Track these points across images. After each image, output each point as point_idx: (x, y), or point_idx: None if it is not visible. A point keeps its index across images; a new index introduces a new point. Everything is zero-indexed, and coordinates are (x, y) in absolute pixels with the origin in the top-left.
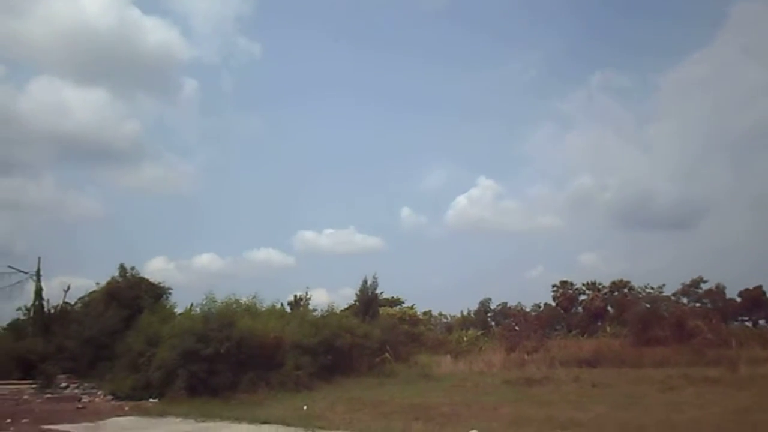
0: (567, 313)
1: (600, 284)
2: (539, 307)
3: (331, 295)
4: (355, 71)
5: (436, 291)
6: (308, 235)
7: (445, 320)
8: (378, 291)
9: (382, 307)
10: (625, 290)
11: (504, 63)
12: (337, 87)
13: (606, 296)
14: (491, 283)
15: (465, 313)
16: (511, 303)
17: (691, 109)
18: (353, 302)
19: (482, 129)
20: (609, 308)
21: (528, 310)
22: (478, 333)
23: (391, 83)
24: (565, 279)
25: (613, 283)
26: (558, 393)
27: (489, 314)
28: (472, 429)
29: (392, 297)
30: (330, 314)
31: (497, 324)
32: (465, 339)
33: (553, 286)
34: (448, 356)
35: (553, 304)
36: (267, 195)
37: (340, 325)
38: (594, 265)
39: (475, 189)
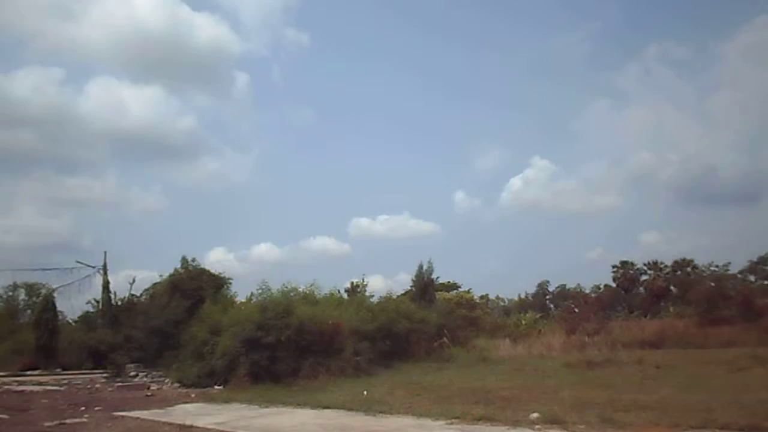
0: (628, 294)
1: (662, 264)
2: (599, 288)
3: (387, 281)
4: (404, 55)
5: (493, 275)
6: (363, 222)
7: (502, 304)
8: (434, 276)
9: (439, 292)
10: (689, 269)
11: (555, 38)
12: (387, 72)
13: (668, 276)
14: (549, 266)
15: (522, 296)
16: (570, 285)
17: (754, 78)
18: (409, 288)
19: (535, 108)
20: (672, 288)
21: (587, 291)
22: (537, 316)
23: (441, 65)
24: (625, 259)
25: (676, 262)
26: (620, 375)
27: (547, 297)
28: (533, 412)
29: (448, 282)
30: (387, 300)
31: (556, 307)
32: (523, 322)
33: (613, 266)
34: (507, 340)
35: (614, 285)
36: (321, 183)
37: (397, 310)
38: (655, 245)
39: (529, 170)
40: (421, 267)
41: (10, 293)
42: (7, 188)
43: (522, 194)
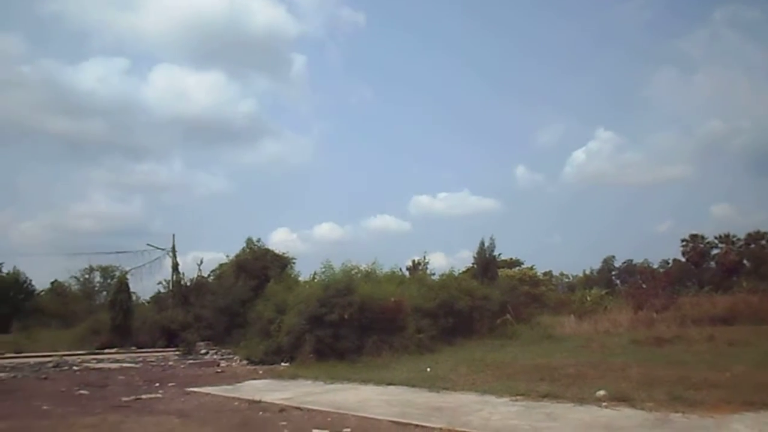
0: (698, 268)
1: (734, 237)
2: (668, 263)
3: (448, 259)
4: (460, 30)
5: (556, 250)
6: (423, 199)
7: (566, 280)
8: (496, 252)
9: (501, 269)
10: (763, 242)
11: (618, 5)
12: (443, 48)
13: (741, 249)
14: (614, 241)
15: (587, 272)
16: (637, 260)
17: None
18: (471, 265)
19: (598, 78)
20: (745, 262)
21: (655, 266)
22: (603, 292)
23: (499, 38)
24: (695, 232)
25: (749, 235)
26: (690, 352)
27: (613, 272)
28: (600, 390)
29: (510, 258)
30: (448, 277)
31: (622, 282)
32: (588, 298)
33: (683, 240)
34: (572, 316)
35: (683, 259)
36: (381, 162)
37: (459, 287)
38: (727, 217)
39: (593, 142)
40: (482, 244)
41: (87, 276)
42: (81, 176)
43: (586, 167)
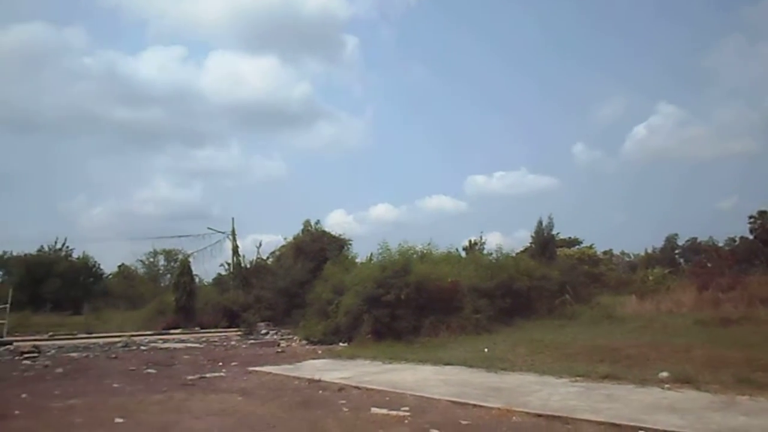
0: (767, 246)
1: None
2: (734, 241)
3: (505, 238)
4: (513, 6)
5: (617, 229)
6: (479, 179)
7: (627, 259)
8: (554, 232)
9: (560, 248)
10: None
11: None
12: (498, 23)
13: None
14: (678, 218)
15: (649, 250)
16: (702, 238)
17: None
18: (529, 244)
19: (659, 49)
20: None
21: (721, 244)
22: (665, 271)
23: (555, 11)
24: (764, 209)
25: None
26: (759, 334)
27: (676, 251)
28: (662, 371)
29: (569, 237)
30: (506, 257)
31: (686, 261)
32: (650, 278)
33: (750, 217)
34: (633, 296)
35: (751, 237)
36: (436, 142)
37: (517, 267)
38: None
39: (654, 117)
40: (540, 223)
41: (151, 259)
42: (143, 163)
43: (647, 143)
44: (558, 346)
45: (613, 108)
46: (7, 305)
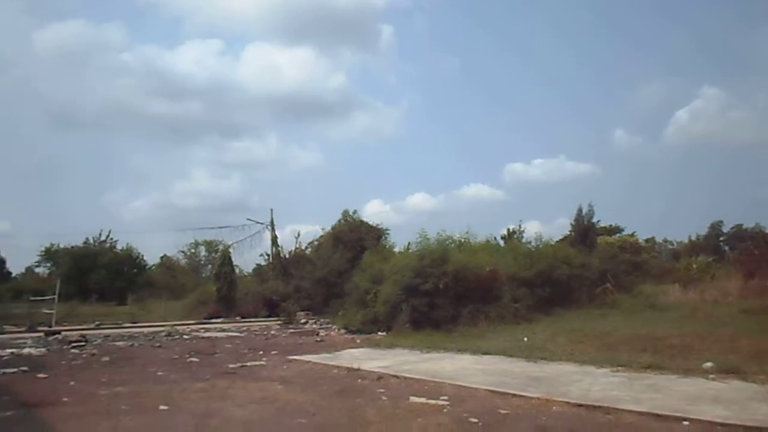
0: None
1: None
2: None
3: (544, 226)
4: None
5: (659, 216)
6: (517, 167)
7: (670, 247)
8: (594, 219)
9: (600, 236)
10: None
11: None
12: (532, 10)
13: None
14: (722, 205)
15: (693, 238)
16: (748, 225)
17: None
18: (569, 232)
19: (702, 32)
20: None
21: None
22: (709, 259)
23: None
24: None
25: None
26: None
27: (721, 238)
28: (707, 361)
29: (610, 225)
30: (545, 246)
31: (731, 249)
32: (694, 266)
33: None
34: (676, 285)
35: None
36: (473, 131)
37: (556, 256)
38: None
39: (697, 101)
40: (580, 210)
41: (193, 250)
42: (183, 156)
43: (690, 128)
44: (599, 335)
45: (654, 92)
46: (56, 296)
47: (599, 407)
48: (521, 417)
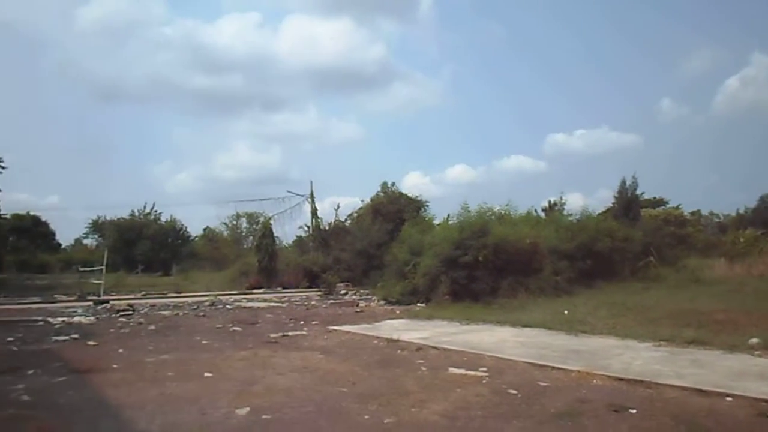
0: None
1: None
2: None
3: (586, 199)
4: None
5: (706, 188)
6: (559, 138)
7: (717, 220)
8: (638, 192)
9: (644, 209)
10: None
11: None
12: None
13: None
14: None
15: (741, 211)
16: None
17: None
18: (611, 205)
19: None
20: None
21: None
22: (758, 233)
23: None
24: None
25: None
26: None
27: None
28: (752, 338)
29: (654, 197)
30: (587, 218)
31: None
32: (742, 240)
33: None
34: (722, 259)
35: None
36: (514, 101)
37: (598, 228)
38: None
39: (748, 68)
40: (623, 182)
41: (234, 222)
42: (224, 129)
43: (739, 96)
44: (641, 309)
45: (702, 60)
46: (104, 267)
47: (640, 381)
48: (561, 389)
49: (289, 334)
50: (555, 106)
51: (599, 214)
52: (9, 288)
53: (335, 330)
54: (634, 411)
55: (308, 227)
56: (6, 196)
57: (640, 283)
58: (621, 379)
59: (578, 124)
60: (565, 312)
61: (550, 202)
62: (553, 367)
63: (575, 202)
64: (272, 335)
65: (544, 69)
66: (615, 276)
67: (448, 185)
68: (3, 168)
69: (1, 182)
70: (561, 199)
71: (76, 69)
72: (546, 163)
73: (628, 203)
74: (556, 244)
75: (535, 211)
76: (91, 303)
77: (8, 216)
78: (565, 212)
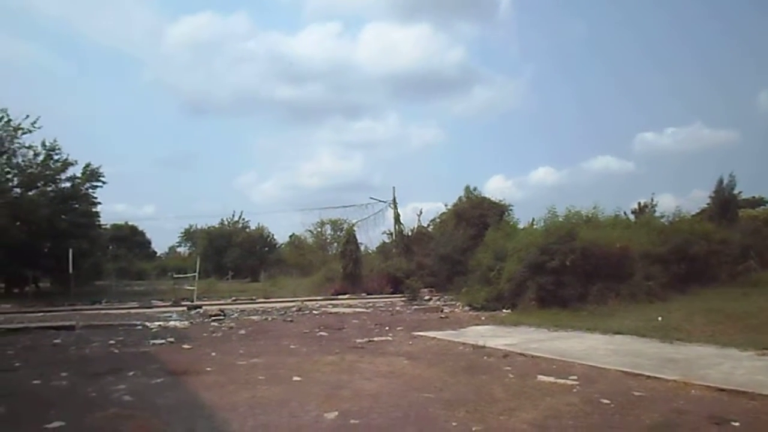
0: None
1: None
2: None
3: (679, 200)
4: None
5: None
6: (648, 136)
7: None
8: (736, 191)
9: (742, 209)
10: None
11: None
12: None
13: None
14: None
15: None
16: None
17: None
18: (706, 206)
19: None
20: None
21: None
22: None
23: None
24: None
25: None
26: None
27: None
28: None
29: (753, 197)
30: (680, 220)
31: None
32: None
33: None
34: None
35: None
36: (599, 100)
37: (692, 231)
38: None
39: None
40: (720, 182)
41: (319, 229)
42: (307, 137)
43: None
44: (741, 316)
45: None
46: (196, 273)
47: (743, 392)
48: (656, 399)
49: (375, 339)
50: (643, 103)
51: (693, 215)
52: (110, 294)
53: (420, 336)
54: (737, 424)
55: (391, 233)
56: (106, 207)
57: (739, 289)
58: (721, 390)
59: (668, 121)
60: (659, 318)
61: (639, 204)
62: (647, 376)
63: (667, 204)
64: (358, 340)
65: (630, 65)
66: (711, 281)
67: (531, 188)
68: (104, 183)
69: (101, 195)
70: (651, 200)
71: (167, 84)
72: (634, 164)
73: (725, 203)
74: (647, 248)
75: (624, 213)
76: (185, 308)
77: (108, 226)
78: (656, 214)
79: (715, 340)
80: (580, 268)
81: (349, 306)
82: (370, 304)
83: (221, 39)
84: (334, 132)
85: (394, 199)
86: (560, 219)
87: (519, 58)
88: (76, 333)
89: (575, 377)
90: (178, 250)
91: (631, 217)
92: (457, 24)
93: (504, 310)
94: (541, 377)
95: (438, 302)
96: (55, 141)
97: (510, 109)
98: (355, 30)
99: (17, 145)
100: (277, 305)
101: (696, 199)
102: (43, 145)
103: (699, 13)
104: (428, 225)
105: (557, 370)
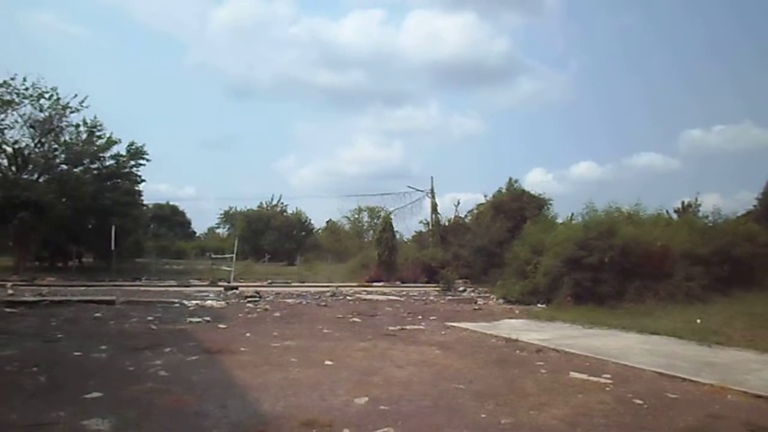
0: None
1: None
2: None
3: (725, 200)
4: None
5: None
6: (695, 134)
7: None
8: None
9: None
10: None
11: None
12: None
13: None
14: None
15: None
16: None
17: None
18: (753, 207)
19: None
20: None
21: None
22: None
23: None
24: None
25: None
26: None
27: None
28: None
29: None
30: (724, 221)
31: None
32: None
33: None
34: None
35: None
36: (645, 95)
37: (737, 232)
38: None
39: None
40: None
41: (356, 216)
42: (347, 124)
43: None
44: None
45: None
46: (234, 255)
47: None
48: (691, 403)
49: (408, 327)
50: (690, 99)
51: (739, 216)
52: (149, 271)
53: (453, 326)
54: None
55: (428, 222)
56: (148, 186)
57: None
58: (760, 397)
59: (717, 118)
60: (698, 321)
61: (683, 202)
62: (683, 379)
63: (711, 203)
64: (391, 328)
65: (678, 60)
66: (755, 284)
67: (572, 183)
68: (148, 160)
69: (144, 173)
70: (696, 199)
71: (211, 68)
72: (679, 161)
73: None
74: (689, 248)
75: (666, 212)
76: (222, 288)
77: (150, 205)
78: (699, 214)
79: (756, 346)
80: (618, 266)
81: (383, 293)
82: (404, 293)
83: (265, 23)
84: (375, 119)
85: (432, 189)
86: (601, 214)
87: (564, 50)
88: (116, 308)
89: (608, 376)
90: (217, 231)
91: (674, 216)
92: (503, 13)
93: (539, 305)
94: (573, 374)
95: (472, 294)
96: (95, 118)
97: (553, 101)
98: (399, 17)
99: (65, 123)
100: (312, 290)
101: (742, 200)
102: (84, 122)
103: (748, 8)
104: (465, 216)
105: (590, 368)
